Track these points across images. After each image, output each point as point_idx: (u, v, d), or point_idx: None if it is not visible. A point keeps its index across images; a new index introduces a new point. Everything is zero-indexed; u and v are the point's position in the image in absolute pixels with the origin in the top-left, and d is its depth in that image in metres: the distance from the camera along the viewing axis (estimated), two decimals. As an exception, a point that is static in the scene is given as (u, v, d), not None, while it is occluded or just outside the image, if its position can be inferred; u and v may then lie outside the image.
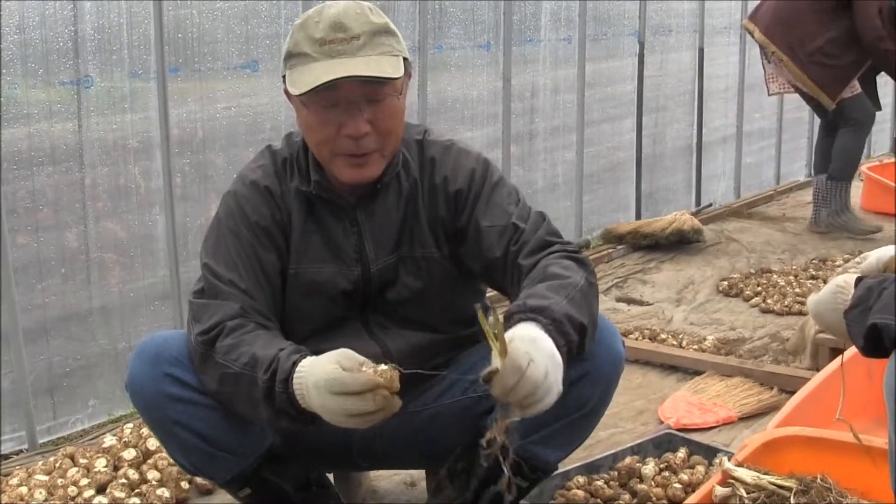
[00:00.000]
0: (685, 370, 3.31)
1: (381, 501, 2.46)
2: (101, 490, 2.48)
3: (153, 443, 2.61)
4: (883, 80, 5.34)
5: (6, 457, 2.84)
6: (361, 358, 1.60)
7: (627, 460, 2.48)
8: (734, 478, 1.96)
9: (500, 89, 4.57)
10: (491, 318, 1.52)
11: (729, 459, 2.04)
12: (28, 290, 2.92)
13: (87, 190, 3.07)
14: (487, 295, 2.17)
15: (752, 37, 5.00)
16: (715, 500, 1.95)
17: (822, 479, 1.87)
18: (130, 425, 2.77)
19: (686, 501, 2.05)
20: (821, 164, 5.30)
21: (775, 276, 4.42)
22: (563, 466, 2.31)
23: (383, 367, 1.57)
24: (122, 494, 2.43)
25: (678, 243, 5.00)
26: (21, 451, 2.89)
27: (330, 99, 1.78)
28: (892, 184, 5.48)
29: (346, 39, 1.77)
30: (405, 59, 1.84)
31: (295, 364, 1.65)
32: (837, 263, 4.51)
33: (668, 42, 5.69)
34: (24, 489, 2.47)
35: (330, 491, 2.07)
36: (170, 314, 3.28)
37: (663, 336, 3.64)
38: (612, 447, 2.60)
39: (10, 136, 2.84)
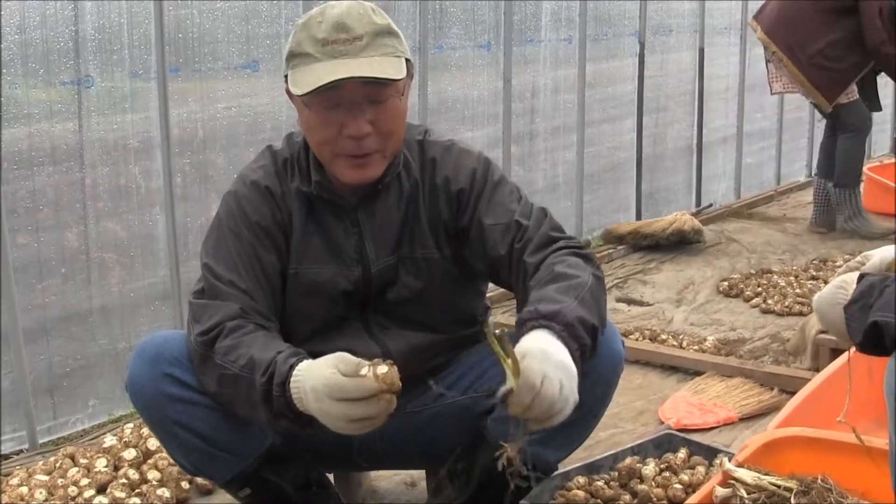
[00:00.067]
0: (685, 371, 3.31)
1: (381, 501, 2.46)
2: (101, 490, 2.48)
3: (153, 443, 2.61)
4: (883, 80, 5.33)
5: (6, 457, 2.84)
6: (357, 360, 1.59)
7: (628, 461, 2.48)
8: (735, 478, 1.96)
9: (500, 89, 4.57)
10: (496, 330, 1.53)
11: (729, 460, 2.04)
12: (28, 289, 2.92)
13: (87, 190, 3.07)
14: (488, 295, 2.17)
15: (756, 35, 5.00)
16: (715, 501, 1.95)
17: (822, 480, 1.87)
18: (131, 425, 2.77)
19: (686, 502, 2.05)
20: (824, 165, 5.30)
21: (776, 276, 4.42)
22: (564, 467, 2.31)
23: (383, 368, 1.56)
24: (123, 494, 2.43)
25: (678, 244, 5.00)
26: (21, 450, 2.89)
27: (332, 99, 1.78)
28: (892, 184, 5.48)
29: (348, 40, 1.77)
30: (407, 61, 1.84)
31: (292, 367, 1.65)
32: (838, 264, 4.51)
33: (669, 42, 5.69)
34: (24, 489, 2.47)
35: (330, 491, 2.07)
36: (170, 314, 3.28)
37: (664, 336, 3.64)
38: (612, 447, 2.60)
39: (11, 135, 2.84)
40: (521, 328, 1.63)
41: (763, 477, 1.93)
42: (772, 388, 3.05)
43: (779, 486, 1.89)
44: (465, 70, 4.43)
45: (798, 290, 4.15)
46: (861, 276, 1.67)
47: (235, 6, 3.40)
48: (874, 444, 1.96)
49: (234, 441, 1.87)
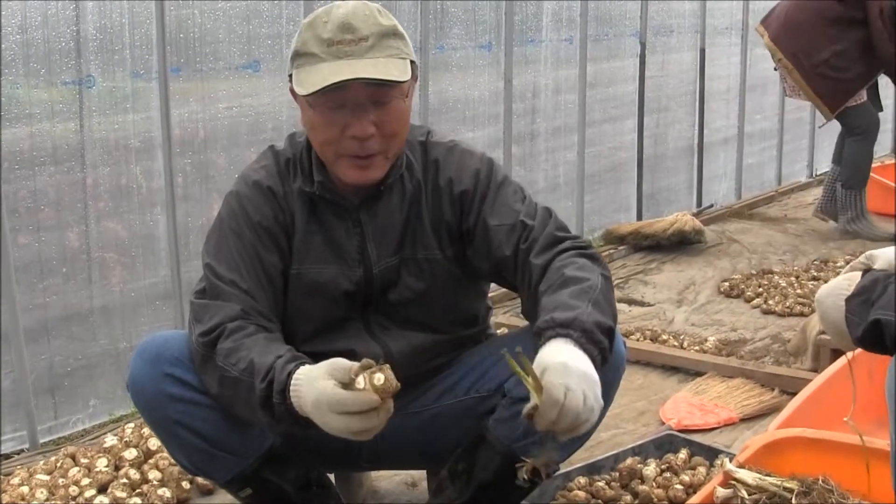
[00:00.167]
0: (686, 371, 3.31)
1: (381, 502, 2.46)
2: (102, 490, 2.48)
3: (154, 443, 2.61)
4: (884, 80, 5.33)
5: (7, 456, 2.84)
6: (351, 366, 1.59)
7: (629, 461, 2.48)
8: (735, 479, 1.96)
9: (501, 90, 4.57)
10: (516, 348, 1.55)
11: (730, 461, 2.04)
12: (29, 289, 2.92)
13: (88, 190, 3.07)
14: (489, 295, 2.17)
15: (762, 41, 4.99)
16: (716, 502, 1.95)
17: (823, 481, 1.87)
18: (131, 425, 2.77)
19: (687, 502, 2.05)
20: (839, 153, 5.31)
21: (777, 277, 4.42)
22: (565, 467, 2.31)
23: (379, 377, 1.55)
24: (124, 494, 2.43)
25: (679, 244, 5.00)
26: (22, 450, 2.89)
27: (336, 100, 1.78)
28: (892, 184, 5.48)
29: (354, 41, 1.77)
30: (412, 62, 1.84)
31: (290, 374, 1.65)
32: (839, 265, 4.51)
33: (670, 42, 5.69)
34: (25, 489, 2.47)
35: (331, 491, 2.07)
36: (171, 314, 3.28)
37: (664, 337, 3.64)
38: (613, 448, 2.60)
39: (12, 135, 2.84)
40: (540, 338, 1.64)
41: (764, 478, 1.93)
42: (773, 389, 3.05)
43: (780, 487, 1.89)
44: (466, 70, 4.43)
45: (799, 291, 4.15)
46: (866, 272, 1.66)
47: (237, 6, 3.40)
48: (875, 445, 1.96)
49: (235, 441, 1.87)
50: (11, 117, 2.84)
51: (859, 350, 2.54)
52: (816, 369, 3.04)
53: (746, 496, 1.91)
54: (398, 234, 1.94)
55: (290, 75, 1.84)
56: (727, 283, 4.38)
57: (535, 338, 1.66)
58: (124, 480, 2.48)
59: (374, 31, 1.79)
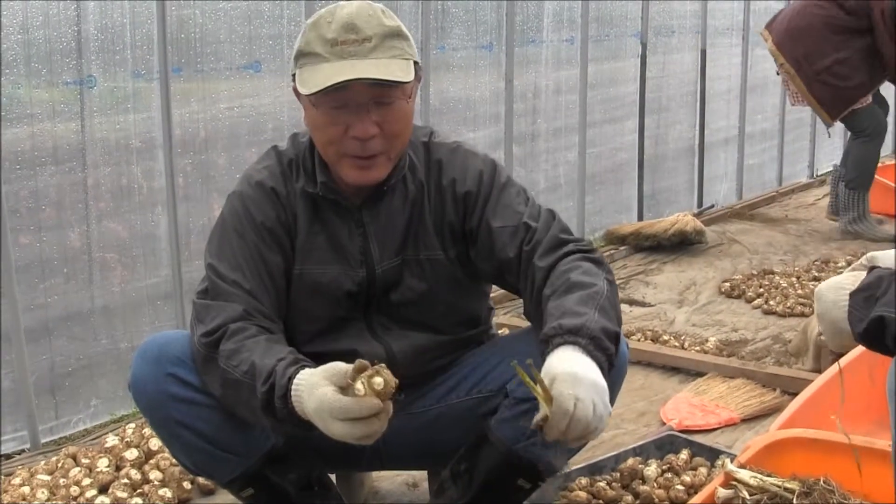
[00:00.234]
0: (687, 371, 3.31)
1: (383, 502, 2.46)
2: (103, 490, 2.48)
3: (155, 443, 2.61)
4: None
5: (8, 456, 2.84)
6: (348, 369, 1.58)
7: (630, 462, 2.48)
8: (737, 479, 1.96)
9: (502, 90, 4.57)
10: (527, 361, 1.57)
11: (731, 461, 2.04)
12: (30, 289, 2.92)
13: (89, 190, 3.07)
14: (491, 296, 2.17)
15: (766, 45, 4.99)
16: (717, 502, 1.95)
17: (824, 481, 1.87)
18: (133, 425, 2.77)
19: (688, 503, 2.05)
20: (846, 157, 5.31)
21: (777, 277, 4.42)
22: (566, 468, 2.31)
23: (378, 380, 1.55)
24: (125, 494, 2.43)
25: (680, 244, 5.00)
26: (23, 450, 2.89)
27: (339, 100, 1.78)
28: (892, 184, 5.48)
29: (357, 41, 1.77)
30: (416, 63, 1.84)
31: (291, 379, 1.65)
32: (840, 265, 4.51)
33: (671, 43, 5.69)
34: (26, 489, 2.47)
35: (332, 492, 2.07)
36: (172, 314, 3.28)
37: (665, 337, 3.64)
38: (614, 448, 2.60)
39: (14, 135, 2.84)
40: (547, 345, 1.65)
41: (765, 478, 1.93)
42: (774, 389, 3.05)
43: (781, 488, 1.89)
44: (467, 71, 4.43)
45: (800, 291, 4.15)
46: (871, 269, 1.66)
47: (238, 6, 3.40)
48: (875, 446, 1.97)
49: (237, 441, 1.87)
50: (12, 117, 2.84)
51: (856, 352, 2.55)
52: (817, 370, 3.04)
53: (747, 497, 1.91)
54: (401, 235, 1.94)
55: (294, 75, 1.84)
56: (728, 284, 4.38)
57: (542, 344, 1.67)
58: (125, 481, 2.49)
59: (378, 31, 1.79)
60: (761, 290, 4.24)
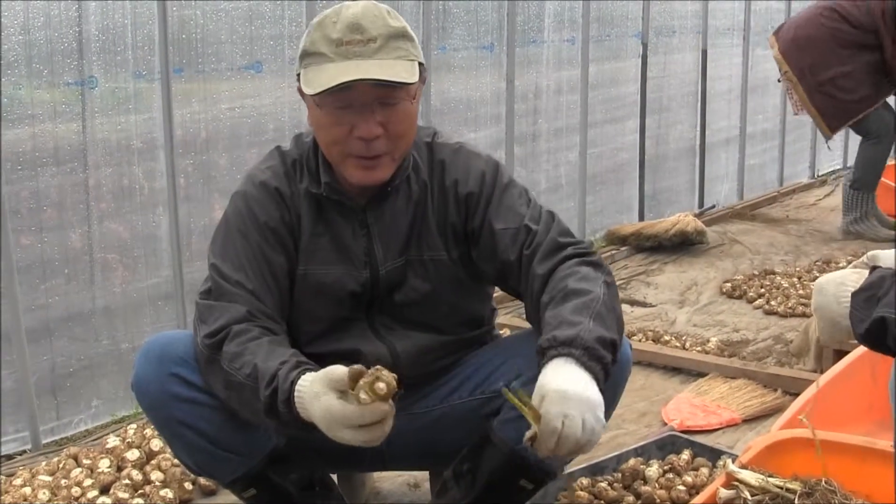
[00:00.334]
0: (688, 372, 3.31)
1: (384, 502, 2.46)
2: (104, 490, 2.48)
3: (157, 443, 2.61)
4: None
5: (10, 457, 2.84)
6: (343, 373, 1.58)
7: (631, 462, 2.48)
8: (738, 480, 1.95)
9: (503, 90, 4.57)
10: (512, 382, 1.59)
11: (733, 461, 2.03)
12: (31, 290, 2.92)
13: (90, 190, 3.07)
14: (493, 296, 2.17)
15: (772, 53, 4.98)
16: (719, 503, 1.95)
17: (826, 482, 1.87)
18: (134, 426, 2.77)
19: (690, 503, 2.05)
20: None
21: (779, 277, 4.42)
22: (568, 468, 2.30)
23: (380, 385, 1.55)
24: (126, 495, 2.43)
25: (681, 245, 5.00)
26: (24, 451, 2.90)
27: (343, 100, 1.78)
28: (893, 184, 5.48)
29: (362, 41, 1.77)
30: (420, 65, 1.84)
31: (293, 383, 1.65)
32: (841, 265, 4.51)
33: (672, 43, 5.69)
34: (27, 489, 2.47)
35: (333, 492, 2.07)
36: (173, 314, 3.28)
37: (667, 338, 3.64)
38: (615, 449, 2.60)
39: (15, 136, 2.85)
40: (542, 357, 1.65)
41: (767, 479, 1.93)
42: (775, 390, 3.05)
43: (782, 488, 1.88)
44: (468, 71, 4.43)
45: (801, 292, 4.15)
46: (874, 268, 1.65)
47: (239, 7, 3.40)
48: (876, 446, 1.96)
49: (239, 441, 1.87)
50: (14, 118, 2.84)
51: (857, 353, 2.55)
52: (819, 370, 3.04)
53: (749, 497, 1.90)
54: (404, 235, 1.94)
55: (298, 74, 1.84)
56: (729, 284, 4.38)
57: (537, 356, 1.67)
58: (127, 481, 2.49)
59: (383, 32, 1.79)
60: (762, 290, 4.24)
